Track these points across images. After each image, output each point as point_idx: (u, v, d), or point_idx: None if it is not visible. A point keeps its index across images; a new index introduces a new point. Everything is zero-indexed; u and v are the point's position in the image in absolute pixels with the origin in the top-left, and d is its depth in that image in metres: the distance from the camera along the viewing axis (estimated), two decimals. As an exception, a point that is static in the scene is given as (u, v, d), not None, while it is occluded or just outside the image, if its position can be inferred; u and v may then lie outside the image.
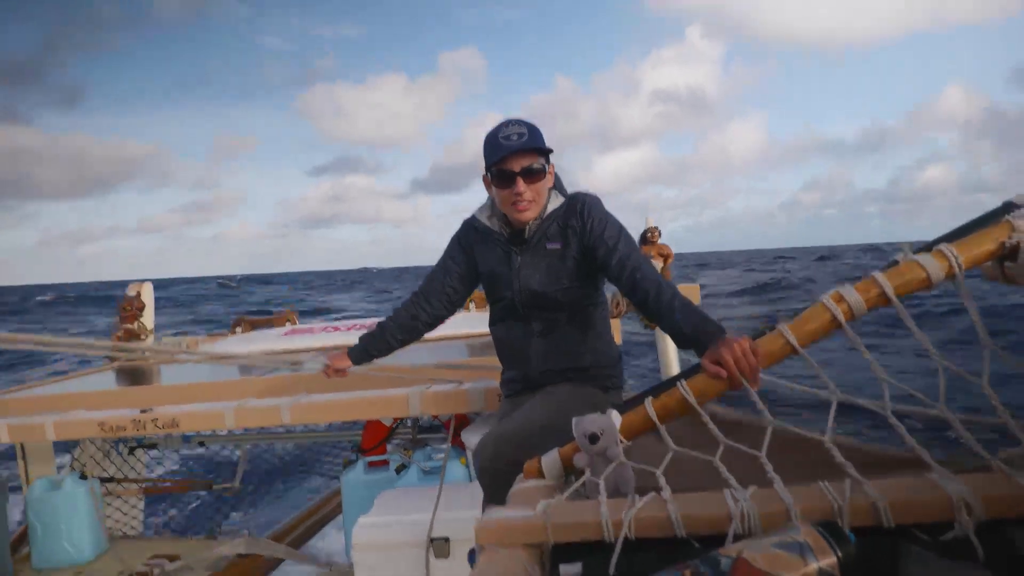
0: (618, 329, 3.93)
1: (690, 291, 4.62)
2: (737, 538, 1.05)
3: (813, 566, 0.85)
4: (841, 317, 1.32)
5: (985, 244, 1.29)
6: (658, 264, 4.58)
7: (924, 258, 1.30)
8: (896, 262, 1.35)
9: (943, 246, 1.30)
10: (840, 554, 0.85)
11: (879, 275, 1.32)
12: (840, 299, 1.33)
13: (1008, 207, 1.35)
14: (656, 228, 4.76)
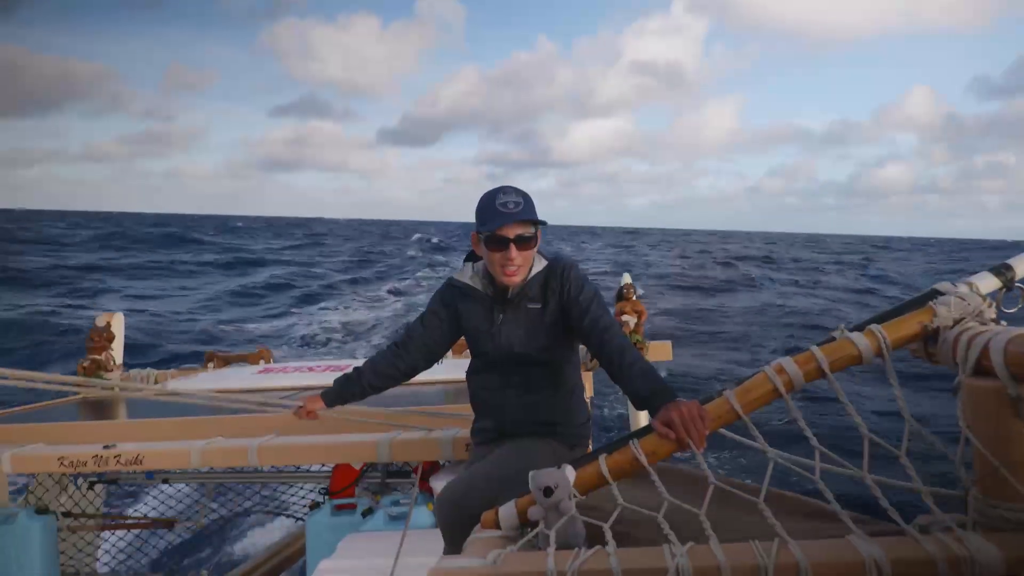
0: (590, 381, 4.03)
1: (662, 348, 4.75)
2: (672, 591, 1.13)
3: (730, 619, 0.93)
4: (782, 388, 1.44)
5: (910, 327, 1.42)
6: (632, 319, 4.71)
7: (856, 336, 1.42)
8: (833, 338, 1.48)
9: (873, 327, 1.43)
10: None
11: (816, 350, 1.44)
12: (781, 371, 1.45)
13: (933, 294, 1.49)
14: (632, 285, 4.92)
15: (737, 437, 1.51)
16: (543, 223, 2.16)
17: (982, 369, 1.22)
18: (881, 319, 1.46)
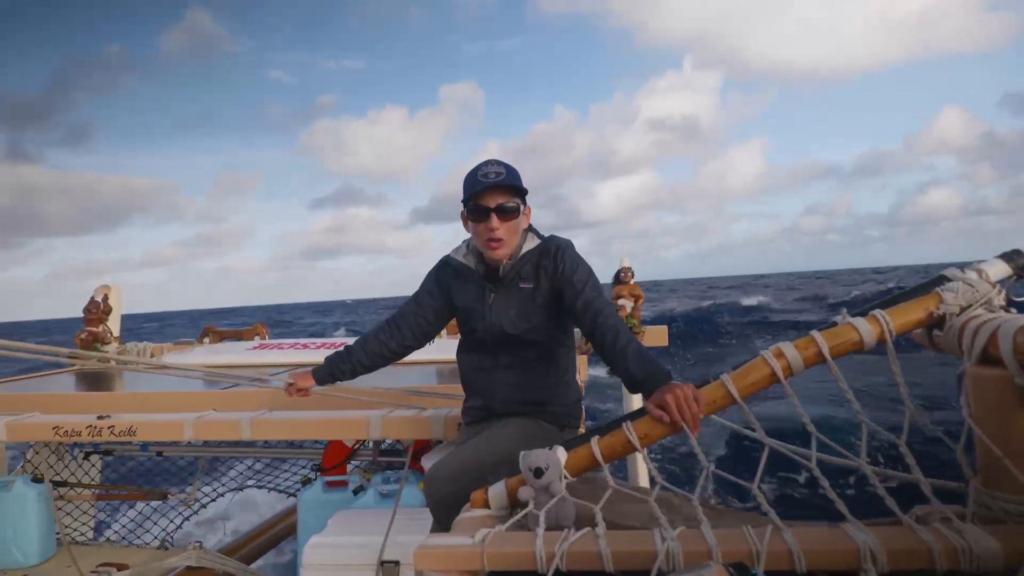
0: (584, 365, 3.99)
1: (658, 332, 4.71)
2: (660, 575, 1.10)
3: (719, 604, 0.90)
4: (780, 372, 1.40)
5: (915, 313, 1.38)
6: (629, 304, 4.67)
7: (859, 322, 1.38)
8: (835, 323, 1.44)
9: (877, 312, 1.39)
10: (745, 595, 0.91)
11: (817, 334, 1.40)
12: (780, 355, 1.41)
13: (940, 280, 1.45)
14: (629, 269, 4.87)
15: (731, 425, 1.48)
16: (523, 191, 2.09)
17: (989, 357, 1.19)
18: (885, 304, 1.42)
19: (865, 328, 1.35)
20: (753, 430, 1.38)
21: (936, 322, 1.36)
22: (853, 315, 1.40)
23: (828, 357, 1.35)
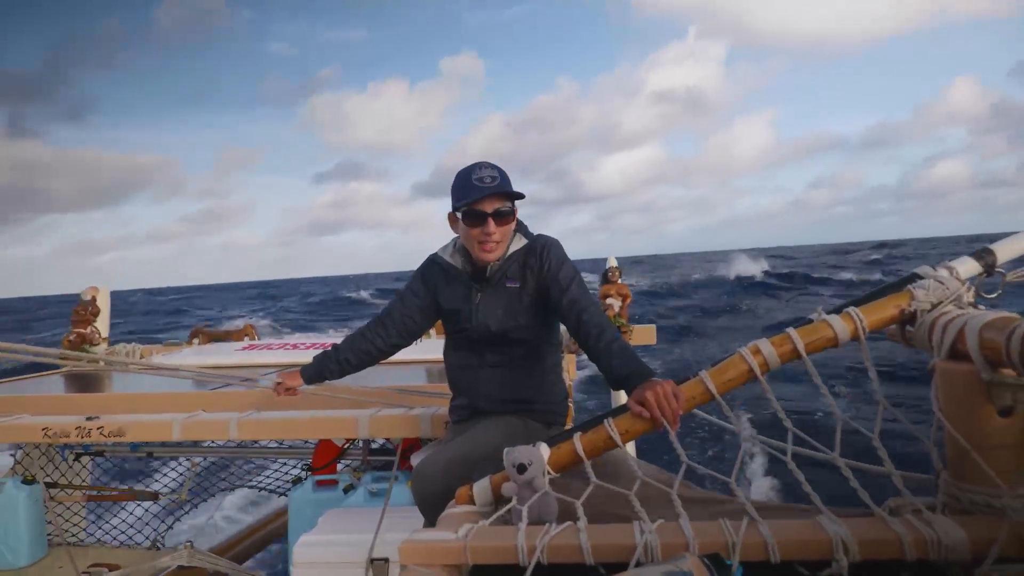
0: (572, 363, 4.02)
1: (646, 331, 4.75)
2: (638, 566, 1.13)
3: (693, 594, 0.93)
4: (757, 369, 1.43)
5: (888, 310, 1.41)
6: (616, 303, 4.70)
7: (833, 319, 1.42)
8: (810, 320, 1.47)
9: (851, 309, 1.42)
10: (719, 584, 0.94)
11: (792, 332, 1.44)
12: (756, 352, 1.44)
13: (912, 277, 1.48)
14: (617, 268, 4.91)
15: (711, 418, 1.51)
16: (520, 196, 2.13)
17: (957, 353, 1.22)
18: (859, 302, 1.45)
19: (839, 325, 1.38)
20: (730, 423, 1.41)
21: (908, 318, 1.39)
22: (828, 312, 1.43)
23: (803, 353, 1.39)
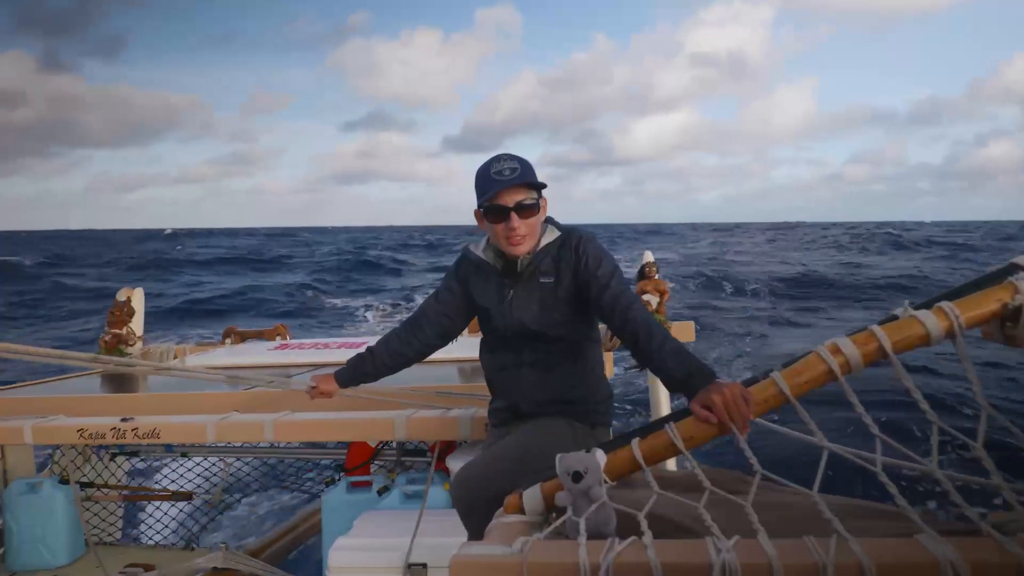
0: (610, 361, 3.90)
1: (684, 328, 4.60)
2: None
3: (793, 628, 0.82)
4: (837, 370, 1.31)
5: (987, 304, 1.27)
6: (654, 299, 4.56)
7: (924, 315, 1.28)
8: (895, 316, 1.34)
9: (944, 304, 1.29)
10: (821, 617, 0.82)
11: (877, 329, 1.31)
12: (837, 351, 1.32)
13: (1012, 268, 1.34)
14: (654, 263, 4.77)
15: (782, 429, 1.38)
16: (542, 186, 2.02)
17: (1073, 352, 1.09)
18: (950, 296, 1.32)
19: (932, 322, 1.25)
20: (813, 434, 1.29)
21: (1010, 314, 1.26)
22: (916, 307, 1.30)
23: (891, 353, 1.26)
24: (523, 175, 1.97)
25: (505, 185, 1.95)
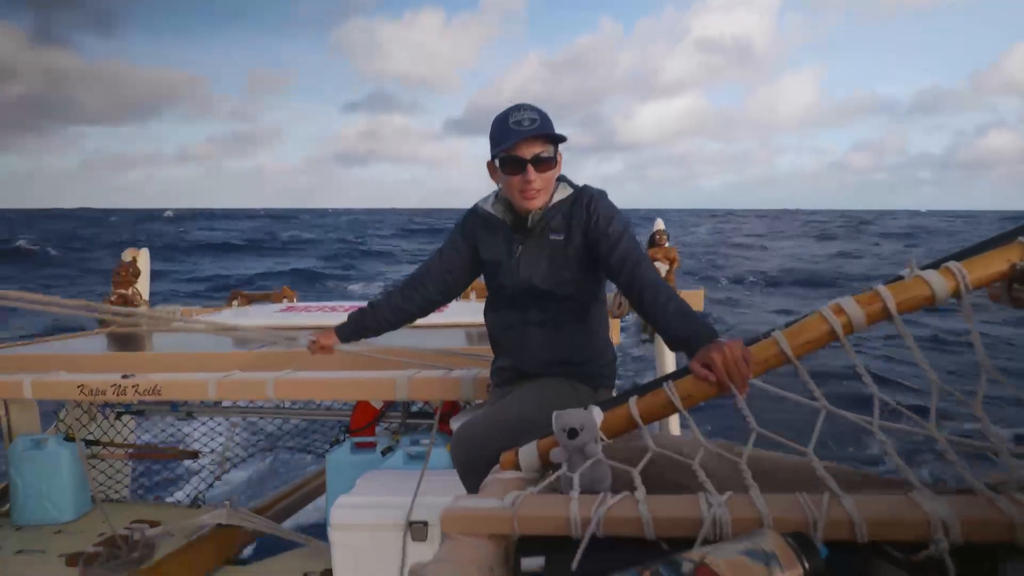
0: (616, 329, 3.89)
1: (693, 296, 4.58)
2: (707, 543, 1.01)
3: (779, 577, 0.81)
4: (840, 330, 1.28)
5: (996, 264, 1.24)
6: (663, 267, 4.54)
7: (930, 274, 1.26)
8: (901, 277, 1.31)
9: (951, 263, 1.26)
10: (807, 566, 0.82)
11: (882, 288, 1.28)
12: (840, 311, 1.29)
13: (1023, 229, 1.31)
14: (664, 232, 4.74)
15: (781, 392, 1.37)
16: (562, 139, 1.97)
17: (1080, 312, 1.06)
18: (959, 256, 1.29)
19: (938, 282, 1.22)
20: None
21: (1018, 276, 1.23)
22: (923, 268, 1.28)
23: (894, 313, 1.23)
24: (543, 127, 1.91)
25: (524, 136, 1.89)
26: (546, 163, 1.94)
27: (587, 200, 2.00)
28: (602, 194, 2.03)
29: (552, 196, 2.03)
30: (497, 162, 1.98)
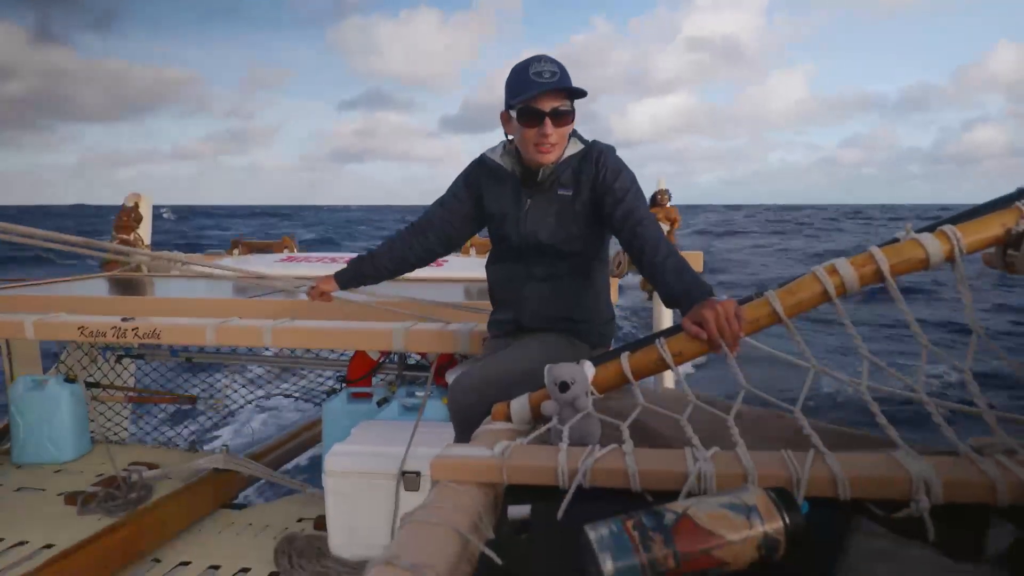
0: (615, 287, 3.90)
1: (693, 257, 4.58)
2: (691, 497, 1.03)
3: (758, 529, 0.83)
4: (832, 291, 1.29)
5: (991, 229, 1.24)
6: (664, 227, 4.52)
7: (925, 237, 1.25)
8: (896, 239, 1.31)
9: (946, 227, 1.26)
10: (788, 521, 0.83)
11: (876, 250, 1.28)
12: (833, 271, 1.30)
13: (1021, 193, 1.30)
14: (666, 191, 4.71)
15: (772, 351, 1.37)
16: (583, 93, 1.94)
17: (1074, 279, 1.06)
18: (955, 220, 1.28)
19: (932, 245, 1.22)
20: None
21: (1013, 240, 1.22)
22: (919, 231, 1.27)
23: (888, 276, 1.23)
24: (562, 80, 1.87)
25: (545, 88, 1.85)
26: (564, 117, 1.90)
27: (596, 155, 1.97)
28: (611, 149, 2.01)
29: (564, 150, 2.00)
30: (514, 113, 1.94)
